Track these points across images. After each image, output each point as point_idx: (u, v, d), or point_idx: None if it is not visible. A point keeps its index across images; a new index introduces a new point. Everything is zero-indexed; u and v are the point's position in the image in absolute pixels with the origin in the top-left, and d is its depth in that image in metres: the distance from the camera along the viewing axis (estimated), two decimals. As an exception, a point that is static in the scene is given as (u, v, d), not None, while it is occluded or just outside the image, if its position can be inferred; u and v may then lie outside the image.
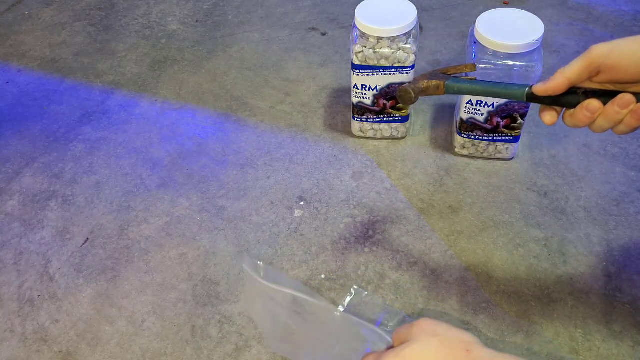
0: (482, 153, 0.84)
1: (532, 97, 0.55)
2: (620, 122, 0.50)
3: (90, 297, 0.72)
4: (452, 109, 0.91)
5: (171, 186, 0.84)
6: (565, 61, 1.01)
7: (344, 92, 0.97)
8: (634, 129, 0.50)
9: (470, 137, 0.81)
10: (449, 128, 0.90)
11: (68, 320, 0.69)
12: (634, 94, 0.49)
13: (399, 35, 0.75)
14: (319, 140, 0.90)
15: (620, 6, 1.12)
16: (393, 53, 0.76)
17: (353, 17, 0.77)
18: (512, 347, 0.64)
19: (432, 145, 0.88)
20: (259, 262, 0.67)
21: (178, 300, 0.70)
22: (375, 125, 0.87)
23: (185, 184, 0.84)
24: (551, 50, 1.02)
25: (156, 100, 0.99)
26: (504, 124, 0.78)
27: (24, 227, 0.80)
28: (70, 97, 1.01)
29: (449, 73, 0.66)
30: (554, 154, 0.85)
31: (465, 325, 0.66)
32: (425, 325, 0.46)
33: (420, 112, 0.93)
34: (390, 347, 0.48)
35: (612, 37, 1.04)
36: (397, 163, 0.85)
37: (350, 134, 0.90)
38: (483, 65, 0.72)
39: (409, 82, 0.68)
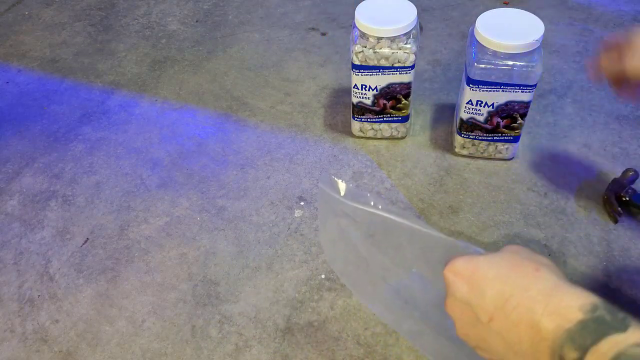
0: (482, 153, 0.84)
1: None
2: None
3: (90, 297, 0.72)
4: (452, 109, 0.91)
5: (171, 186, 0.84)
6: (565, 61, 1.01)
7: (344, 92, 0.97)
8: None
9: (470, 137, 0.81)
10: (449, 128, 0.90)
11: (68, 320, 0.69)
12: None
13: (399, 35, 0.75)
14: (319, 140, 0.90)
15: (620, 6, 1.12)
16: (393, 53, 0.76)
17: (353, 17, 0.77)
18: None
19: (432, 145, 0.88)
20: (338, 180, 0.58)
21: (178, 300, 0.70)
22: (375, 125, 0.87)
23: (185, 184, 0.84)
24: (551, 50, 1.02)
25: (156, 100, 0.99)
26: (504, 124, 0.78)
27: (24, 227, 0.80)
28: (70, 97, 1.01)
29: None
30: (554, 154, 0.85)
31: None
32: (513, 246, 0.45)
33: (420, 112, 0.93)
34: None
35: (612, 37, 1.04)
36: (397, 163, 0.85)
37: (350, 134, 0.90)
38: (483, 65, 0.72)
39: None
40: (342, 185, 0.57)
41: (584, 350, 0.34)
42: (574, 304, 0.36)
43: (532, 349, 0.37)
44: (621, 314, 0.35)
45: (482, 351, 0.43)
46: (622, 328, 0.34)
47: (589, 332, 0.34)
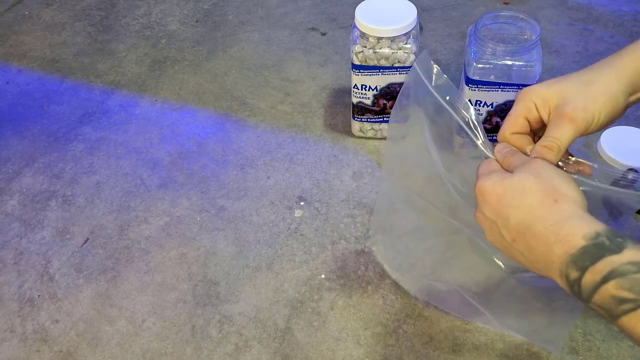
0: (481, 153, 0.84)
1: None
2: None
3: (90, 297, 0.72)
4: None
5: (171, 186, 0.84)
6: (565, 61, 1.01)
7: (344, 92, 0.97)
8: None
9: (470, 137, 0.81)
10: (449, 128, 0.89)
11: (68, 320, 0.69)
12: None
13: (399, 35, 0.75)
14: (319, 140, 0.90)
15: (621, 6, 1.12)
16: (393, 53, 0.76)
17: (353, 17, 0.77)
18: (512, 347, 0.64)
19: (432, 145, 0.88)
20: (435, 66, 0.55)
21: (178, 300, 0.71)
22: (375, 125, 0.87)
23: (185, 184, 0.84)
24: (551, 50, 1.02)
25: (156, 101, 0.99)
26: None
27: (24, 227, 0.80)
28: (70, 97, 1.01)
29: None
30: (554, 154, 0.85)
31: (465, 325, 0.66)
32: (536, 165, 0.46)
33: (420, 112, 0.93)
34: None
35: (611, 37, 1.04)
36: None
37: (350, 134, 0.90)
38: (482, 65, 0.72)
39: None
40: (437, 73, 0.55)
41: (583, 270, 0.40)
42: (579, 233, 0.41)
43: (546, 269, 0.43)
44: (620, 239, 0.40)
45: (507, 256, 0.48)
46: (618, 250, 0.39)
47: (589, 256, 0.40)
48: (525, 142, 0.51)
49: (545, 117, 0.50)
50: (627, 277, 0.38)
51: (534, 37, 0.71)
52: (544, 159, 0.48)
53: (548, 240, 0.42)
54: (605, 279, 0.39)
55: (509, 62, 0.71)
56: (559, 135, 0.48)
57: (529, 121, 0.51)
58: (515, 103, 0.51)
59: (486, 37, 0.72)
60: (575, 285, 0.41)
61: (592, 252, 0.40)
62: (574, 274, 0.40)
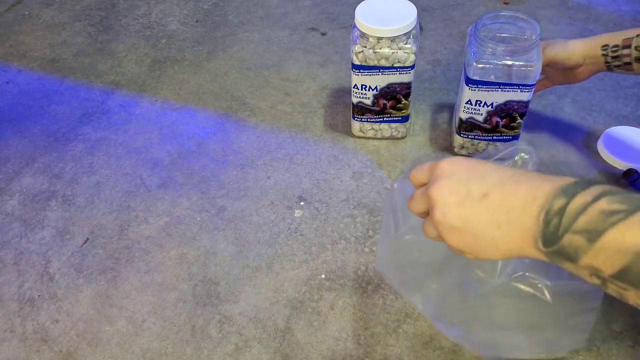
0: (481, 153, 0.84)
1: None
2: None
3: (90, 297, 0.72)
4: (452, 109, 0.91)
5: (171, 186, 0.84)
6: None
7: (344, 92, 0.97)
8: None
9: (470, 137, 0.81)
10: (449, 128, 0.90)
11: (68, 320, 0.69)
12: None
13: (399, 35, 0.75)
14: (319, 140, 0.90)
15: (620, 6, 1.12)
16: (393, 53, 0.76)
17: (353, 17, 0.77)
18: (512, 347, 0.64)
19: (432, 145, 0.88)
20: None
21: (178, 300, 0.71)
22: (375, 125, 0.87)
23: (185, 184, 0.84)
24: (551, 50, 1.02)
25: (156, 100, 0.99)
26: (503, 124, 0.78)
27: (24, 227, 0.80)
28: (71, 97, 1.01)
29: None
30: (554, 154, 0.85)
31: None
32: (445, 166, 0.45)
33: (420, 112, 0.93)
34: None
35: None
36: (397, 163, 0.85)
37: (350, 134, 0.90)
38: (482, 65, 0.72)
39: None
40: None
41: (573, 196, 0.38)
42: (569, 178, 0.40)
43: (522, 213, 0.40)
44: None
45: (454, 234, 0.44)
46: (609, 184, 0.38)
47: (580, 185, 0.39)
48: None
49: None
50: (618, 195, 0.37)
51: (534, 37, 0.71)
52: None
53: (533, 180, 0.41)
54: (597, 198, 0.37)
55: (509, 62, 0.71)
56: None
57: None
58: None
59: (486, 37, 0.72)
60: (555, 217, 0.38)
61: (584, 183, 0.39)
62: (559, 202, 0.38)
